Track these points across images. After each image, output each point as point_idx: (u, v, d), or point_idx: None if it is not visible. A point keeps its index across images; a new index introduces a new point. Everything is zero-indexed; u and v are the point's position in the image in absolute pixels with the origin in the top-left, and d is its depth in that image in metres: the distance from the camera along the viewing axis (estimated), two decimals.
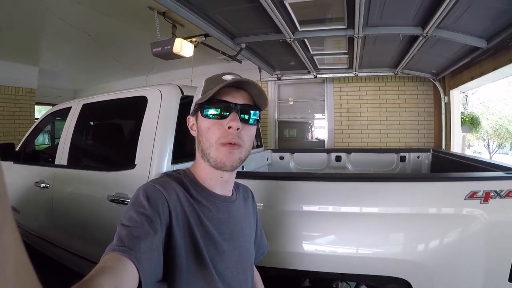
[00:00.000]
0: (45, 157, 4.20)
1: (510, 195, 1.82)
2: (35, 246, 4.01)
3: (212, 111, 1.11)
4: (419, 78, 6.20)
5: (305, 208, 2.15)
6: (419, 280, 1.93)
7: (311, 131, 7.47)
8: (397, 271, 1.97)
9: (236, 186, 1.34)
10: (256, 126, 1.21)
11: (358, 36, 3.73)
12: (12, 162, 4.14)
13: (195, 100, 1.20)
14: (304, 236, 2.12)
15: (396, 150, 5.02)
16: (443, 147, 5.81)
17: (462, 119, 7.38)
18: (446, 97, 5.76)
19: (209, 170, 1.16)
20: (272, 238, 2.10)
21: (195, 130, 1.21)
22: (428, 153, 4.80)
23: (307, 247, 2.10)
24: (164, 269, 0.96)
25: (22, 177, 3.93)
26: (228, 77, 1.14)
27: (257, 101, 1.18)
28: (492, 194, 1.83)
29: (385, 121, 6.62)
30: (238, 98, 1.13)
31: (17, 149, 4.22)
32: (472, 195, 1.84)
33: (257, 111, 1.18)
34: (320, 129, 7.29)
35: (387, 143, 6.55)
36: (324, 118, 7.11)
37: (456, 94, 5.77)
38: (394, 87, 6.55)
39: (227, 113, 1.10)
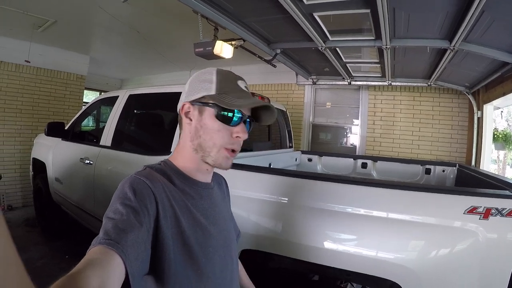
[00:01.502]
0: (90, 138, 4.52)
1: None
2: (72, 215, 4.43)
3: (228, 117, 1.12)
4: (454, 90, 5.94)
5: (323, 206, 2.25)
6: (410, 286, 1.96)
7: (344, 136, 7.32)
8: (389, 274, 2.03)
9: None
10: None
11: (386, 47, 3.74)
12: (60, 139, 4.52)
13: (202, 90, 1.15)
14: (318, 232, 2.23)
15: (422, 162, 4.94)
16: (473, 163, 5.53)
17: (495, 136, 7.15)
18: (479, 112, 5.48)
19: (198, 162, 1.18)
20: (290, 230, 2.33)
21: (191, 120, 1.16)
22: (454, 168, 4.67)
23: (321, 242, 2.20)
24: (153, 261, 0.97)
25: (68, 152, 4.30)
26: (242, 84, 1.19)
27: (263, 118, 1.24)
28: (493, 211, 1.79)
29: (417, 132, 6.37)
30: (246, 109, 1.16)
31: (66, 128, 4.59)
32: (471, 210, 1.82)
33: (252, 123, 1.23)
34: (353, 135, 7.13)
35: (418, 154, 6.30)
36: (358, 125, 6.94)
37: (489, 109, 5.47)
38: (429, 98, 6.30)
39: (238, 122, 1.13)
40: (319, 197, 2.30)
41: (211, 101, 1.13)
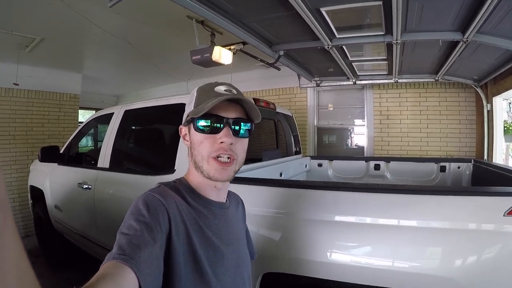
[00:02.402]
0: (88, 160, 4.40)
1: None
2: (76, 243, 4.26)
3: (204, 125, 1.13)
4: (460, 84, 5.88)
5: (334, 218, 2.10)
6: None
7: (351, 138, 7.25)
8: (426, 285, 1.86)
9: (228, 193, 1.34)
10: (248, 138, 1.22)
11: (397, 42, 3.63)
12: (56, 164, 4.34)
13: (187, 110, 1.22)
14: (330, 246, 2.07)
15: (436, 160, 4.84)
16: (485, 157, 5.48)
17: (505, 128, 7.05)
18: (488, 105, 5.42)
19: (203, 179, 1.17)
20: (314, 248, 2.11)
21: (187, 141, 1.22)
22: (469, 164, 4.58)
23: (334, 256, 2.05)
24: (164, 277, 0.97)
25: (65, 178, 4.14)
26: (220, 89, 1.17)
27: (250, 114, 1.20)
28: None
29: (425, 129, 6.32)
30: (230, 112, 1.15)
31: (61, 152, 4.42)
32: (511, 211, 1.70)
33: (249, 123, 1.20)
34: (360, 136, 7.06)
35: (428, 151, 6.25)
36: (364, 125, 6.88)
37: (499, 102, 5.43)
38: (435, 93, 6.24)
39: (220, 127, 1.12)
40: (345, 210, 2.13)
41: (190, 116, 1.17)
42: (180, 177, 1.26)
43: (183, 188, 1.18)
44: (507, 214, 1.69)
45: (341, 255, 2.04)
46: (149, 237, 0.92)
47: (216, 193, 1.23)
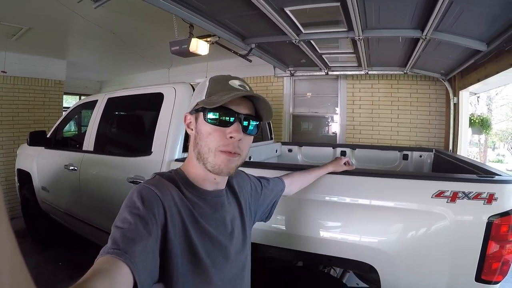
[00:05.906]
0: (72, 144, 4.56)
1: (478, 197, 1.82)
2: (61, 221, 4.44)
3: (215, 118, 1.10)
4: (431, 77, 6.02)
5: (305, 196, 2.27)
6: (384, 268, 2.04)
7: (325, 125, 7.35)
8: (364, 257, 2.09)
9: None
10: (253, 136, 1.21)
11: (359, 38, 3.76)
12: (43, 148, 4.53)
13: (196, 99, 1.18)
14: (301, 221, 2.27)
15: (400, 148, 5.01)
16: (450, 147, 5.64)
17: (472, 121, 7.25)
18: (455, 98, 5.57)
19: (203, 171, 1.16)
20: (273, 220, 2.29)
21: (192, 129, 1.19)
22: (431, 153, 4.74)
23: (303, 230, 2.25)
24: (161, 270, 0.96)
25: (52, 160, 4.31)
26: (235, 83, 1.16)
27: (261, 113, 1.20)
28: (459, 194, 1.86)
29: (396, 119, 6.44)
30: (242, 108, 1.13)
31: (48, 136, 4.60)
32: (439, 194, 1.89)
33: (257, 122, 1.20)
34: (333, 124, 7.15)
35: (398, 141, 6.40)
36: (337, 114, 6.99)
37: (465, 95, 5.57)
38: (407, 85, 6.33)
39: (231, 121, 1.10)
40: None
41: (201, 106, 1.13)
42: (177, 167, 1.24)
43: (179, 179, 1.16)
44: (435, 196, 1.91)
45: (295, 227, 2.30)
46: (143, 230, 0.91)
47: (215, 185, 1.22)
